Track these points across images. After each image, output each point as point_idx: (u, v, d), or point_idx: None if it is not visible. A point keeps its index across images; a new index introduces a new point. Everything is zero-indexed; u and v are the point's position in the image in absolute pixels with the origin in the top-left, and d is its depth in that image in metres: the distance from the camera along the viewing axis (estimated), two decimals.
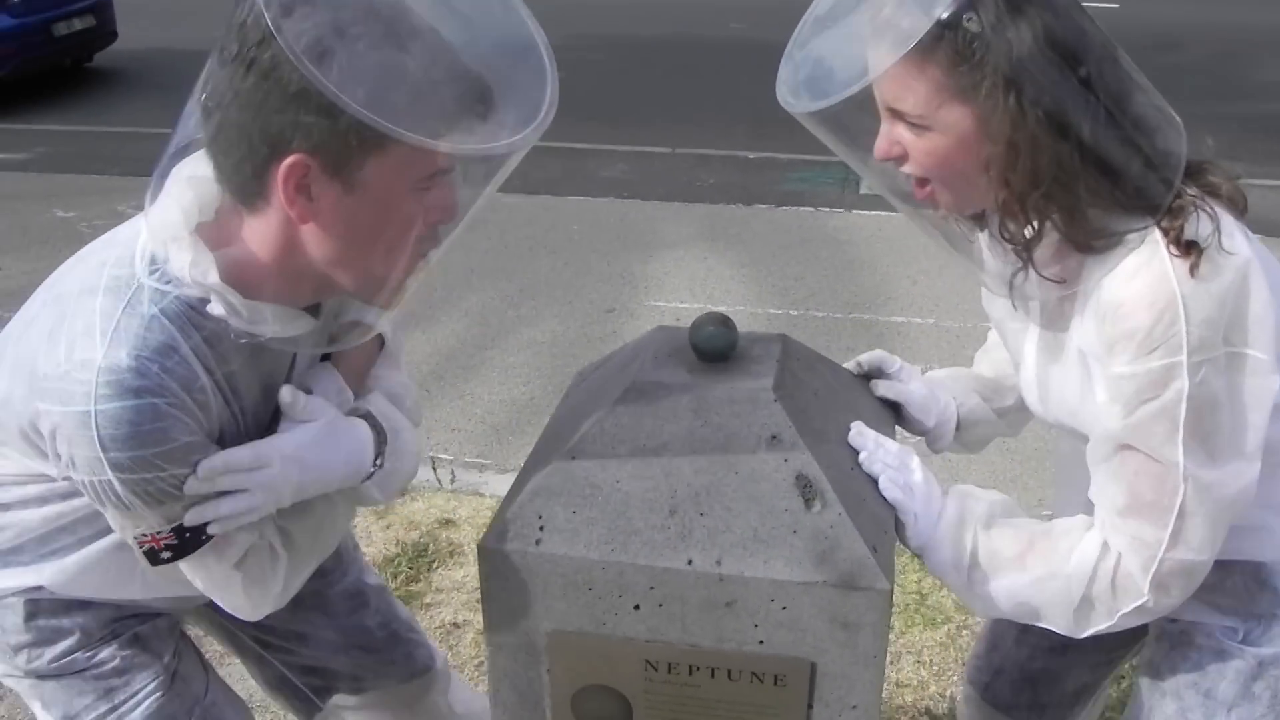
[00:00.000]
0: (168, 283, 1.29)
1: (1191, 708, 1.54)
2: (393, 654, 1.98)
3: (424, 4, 1.24)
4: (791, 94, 1.34)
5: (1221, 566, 1.43)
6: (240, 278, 1.30)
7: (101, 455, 1.25)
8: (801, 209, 6.14)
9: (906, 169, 1.36)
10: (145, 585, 1.56)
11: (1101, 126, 1.25)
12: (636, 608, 1.36)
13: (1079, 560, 1.40)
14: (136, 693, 1.63)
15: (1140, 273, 1.28)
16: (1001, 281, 1.44)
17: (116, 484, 1.28)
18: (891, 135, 1.35)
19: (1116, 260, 1.30)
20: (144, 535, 1.34)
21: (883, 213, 6.05)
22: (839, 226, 5.88)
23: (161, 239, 1.29)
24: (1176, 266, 1.26)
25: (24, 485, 1.45)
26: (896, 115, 1.33)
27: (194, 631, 1.88)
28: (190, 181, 1.31)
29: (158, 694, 1.64)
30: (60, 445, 1.28)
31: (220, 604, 1.47)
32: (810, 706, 1.37)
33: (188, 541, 1.36)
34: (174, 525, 1.33)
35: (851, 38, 1.32)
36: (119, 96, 8.74)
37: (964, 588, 1.49)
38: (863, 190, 6.17)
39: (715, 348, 1.43)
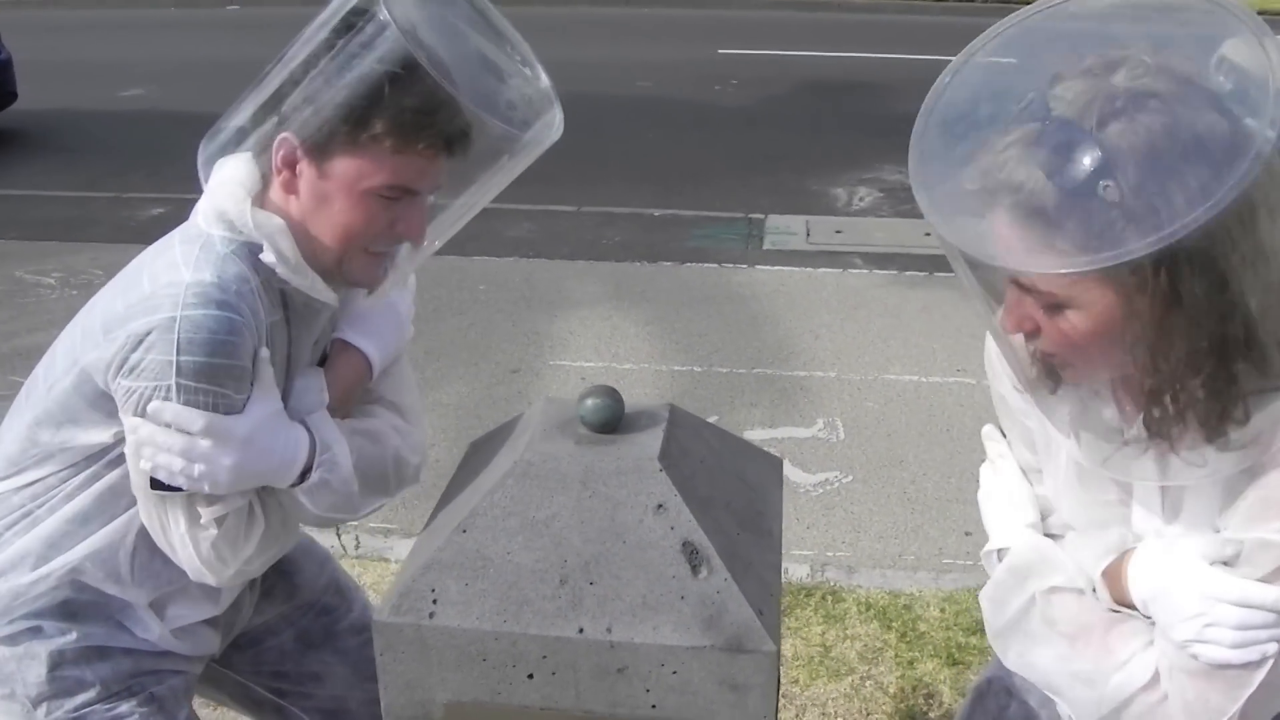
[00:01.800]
0: (231, 231, 1.49)
1: None
2: None
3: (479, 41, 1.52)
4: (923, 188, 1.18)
5: None
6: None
7: (174, 358, 1.40)
8: (705, 265, 6.23)
9: (1035, 344, 1.25)
10: (141, 574, 1.63)
11: (1274, 302, 1.10)
12: (530, 677, 1.38)
13: (1123, 680, 1.33)
14: None
15: None
16: (1099, 456, 1.32)
17: (175, 390, 1.41)
18: (1020, 310, 1.21)
19: (1252, 457, 1.19)
20: None
21: (785, 268, 6.17)
22: (742, 282, 5.98)
23: (223, 197, 1.50)
24: None
25: (80, 472, 1.57)
26: (1024, 290, 1.20)
27: (205, 701, 1.94)
28: (243, 159, 1.53)
29: None
30: (134, 355, 1.42)
31: (183, 559, 1.54)
32: None
33: None
34: None
35: (974, 177, 1.16)
36: (16, 158, 8.57)
37: (1001, 628, 1.46)
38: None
39: (601, 419, 1.47)
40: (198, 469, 1.45)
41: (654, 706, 1.38)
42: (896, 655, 3.14)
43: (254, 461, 1.49)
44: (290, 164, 1.48)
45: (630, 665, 1.36)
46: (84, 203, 7.29)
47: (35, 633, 1.62)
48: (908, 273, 6.06)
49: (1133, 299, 1.12)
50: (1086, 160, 1.07)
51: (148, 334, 1.42)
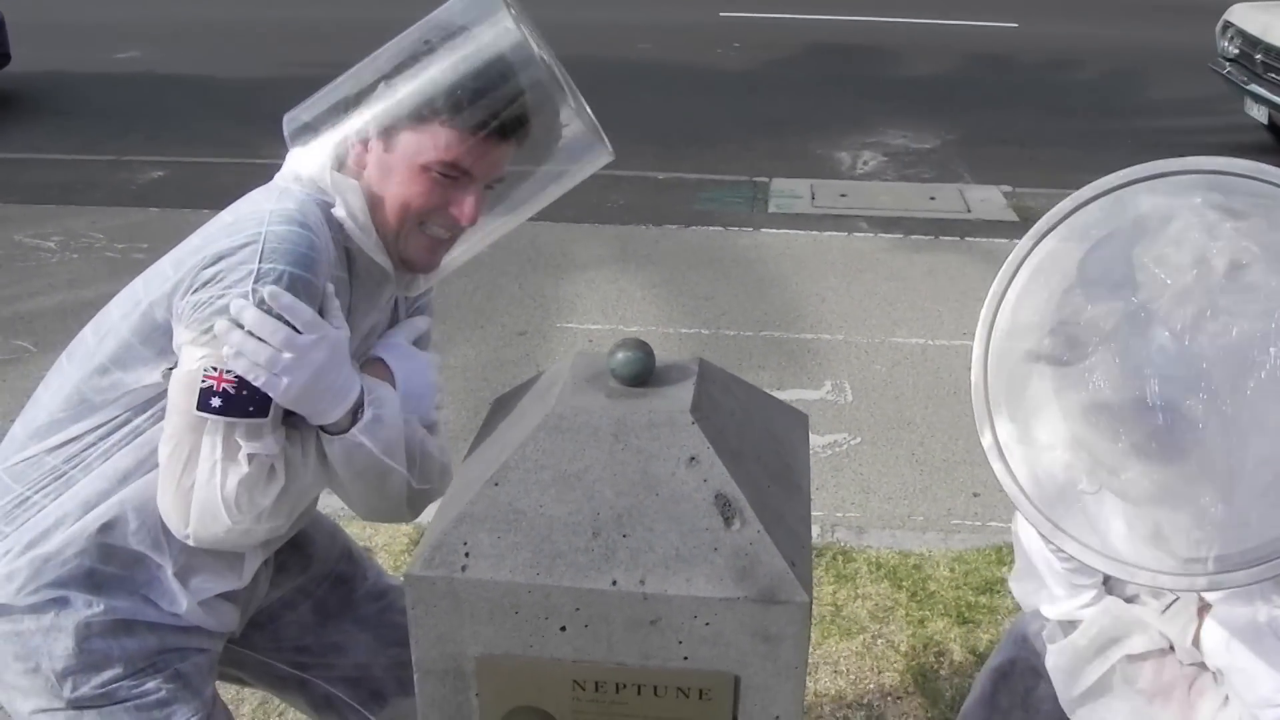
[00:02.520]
0: (309, 189, 1.59)
1: None
2: None
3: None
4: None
5: None
6: None
7: (257, 265, 1.47)
8: (711, 229, 6.22)
9: None
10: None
11: None
12: (563, 629, 1.38)
13: None
14: None
15: None
16: None
17: (250, 295, 1.46)
18: None
19: None
20: (213, 370, 1.48)
21: (791, 231, 6.16)
22: (748, 245, 5.97)
23: (305, 162, 1.60)
24: None
25: (121, 427, 1.58)
26: None
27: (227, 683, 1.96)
28: (322, 143, 1.63)
29: None
30: (210, 269, 1.48)
31: (200, 498, 1.52)
32: (734, 718, 1.41)
33: (243, 399, 1.50)
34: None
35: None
36: (11, 121, 8.52)
37: (1077, 696, 1.54)
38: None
39: (633, 372, 1.46)
40: (284, 359, 1.48)
41: (686, 658, 1.38)
42: (907, 614, 3.16)
43: (329, 371, 1.53)
44: (363, 140, 1.59)
45: (663, 617, 1.36)
46: (82, 166, 7.25)
47: (62, 604, 1.60)
48: (913, 236, 6.05)
49: None
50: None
51: (231, 250, 1.49)
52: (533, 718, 1.44)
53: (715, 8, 12.47)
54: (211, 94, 9.01)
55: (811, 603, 1.36)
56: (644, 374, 1.47)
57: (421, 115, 1.55)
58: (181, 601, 1.66)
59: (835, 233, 6.13)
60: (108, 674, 1.63)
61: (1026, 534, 1.62)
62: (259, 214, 1.52)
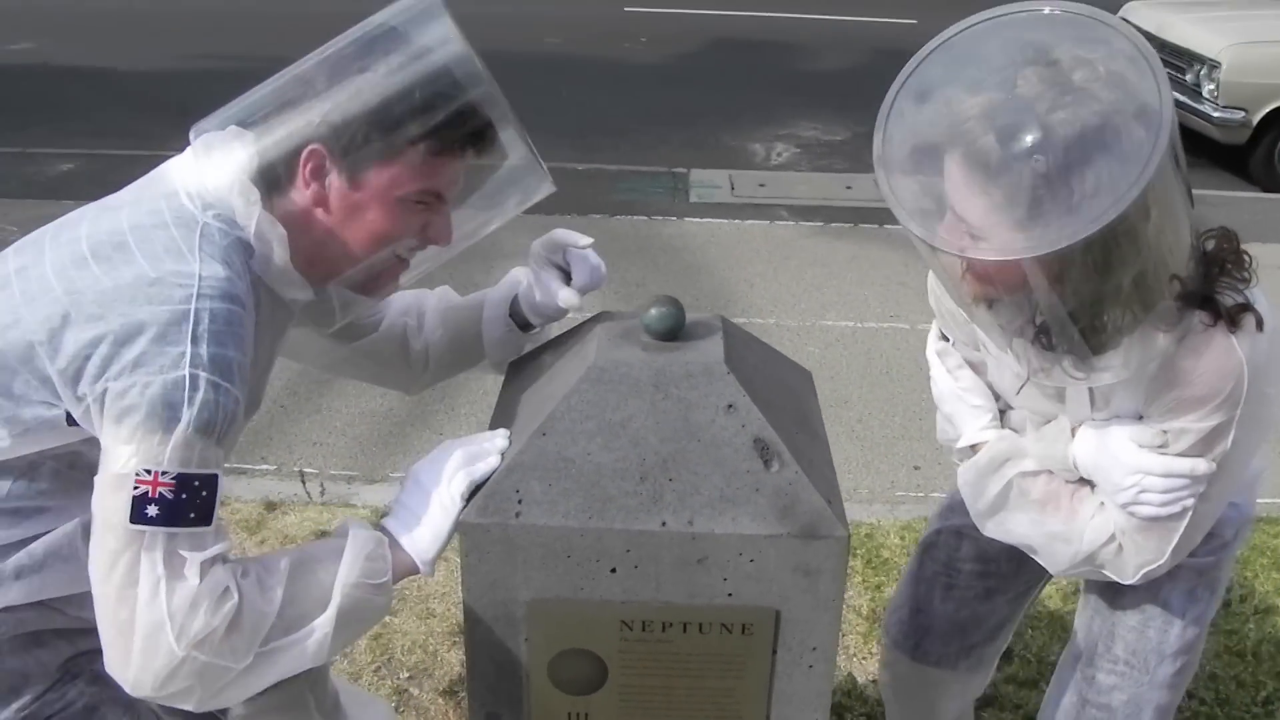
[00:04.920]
0: (229, 225, 1.43)
1: (1152, 616, 1.85)
2: None
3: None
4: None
5: None
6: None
7: (189, 348, 1.30)
8: (635, 218, 6.29)
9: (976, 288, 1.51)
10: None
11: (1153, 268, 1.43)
12: (613, 571, 1.45)
13: (1090, 539, 1.67)
14: None
15: (1207, 349, 1.50)
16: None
17: (187, 381, 1.30)
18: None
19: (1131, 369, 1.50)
20: (146, 473, 1.28)
21: (714, 220, 6.26)
22: (673, 234, 6.06)
23: (230, 191, 1.44)
24: (1239, 340, 1.49)
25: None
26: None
27: None
28: (245, 149, 1.46)
29: None
30: (127, 350, 1.30)
31: (143, 620, 1.30)
32: (774, 652, 1.49)
33: (183, 503, 1.30)
34: (182, 473, 1.30)
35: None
36: None
37: (983, 509, 1.76)
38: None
39: (667, 327, 1.53)
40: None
41: (730, 595, 1.45)
42: (864, 580, 3.27)
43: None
44: (319, 176, 1.46)
45: (710, 555, 1.43)
46: None
47: None
48: (833, 224, 6.19)
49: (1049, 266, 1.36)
50: (1029, 135, 1.30)
51: (154, 323, 1.31)
52: (580, 660, 1.50)
53: (620, 3, 12.55)
54: (113, 85, 8.81)
55: (849, 538, 1.44)
56: (677, 328, 1.54)
57: (394, 146, 1.44)
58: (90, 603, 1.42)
59: (757, 221, 6.25)
60: (26, 696, 1.51)
61: (937, 382, 1.86)
62: (187, 279, 1.34)
